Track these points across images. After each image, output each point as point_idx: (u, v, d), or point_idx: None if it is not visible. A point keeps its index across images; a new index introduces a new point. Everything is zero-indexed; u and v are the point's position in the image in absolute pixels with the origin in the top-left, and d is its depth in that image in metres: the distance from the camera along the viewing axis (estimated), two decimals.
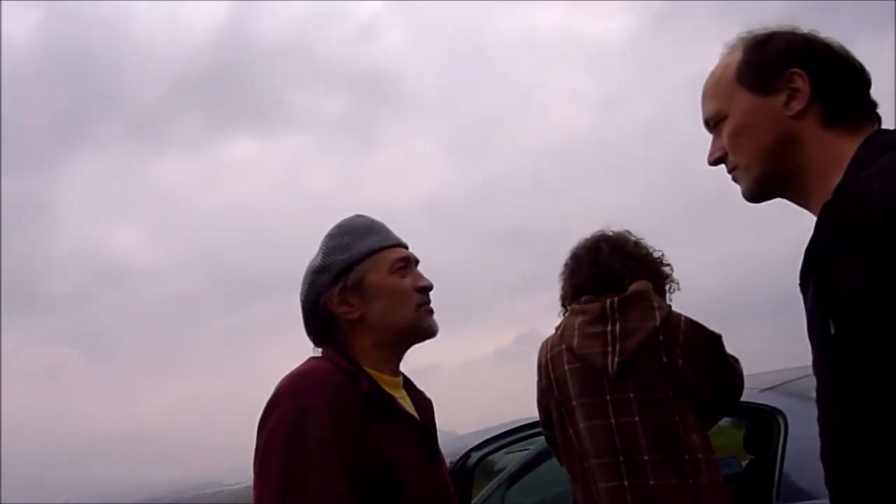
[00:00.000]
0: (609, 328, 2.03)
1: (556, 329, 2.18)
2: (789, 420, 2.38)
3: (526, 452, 3.89)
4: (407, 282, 1.56)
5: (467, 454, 3.48)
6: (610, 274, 2.11)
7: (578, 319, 2.10)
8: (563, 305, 2.24)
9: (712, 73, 1.22)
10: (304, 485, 1.33)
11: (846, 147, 1.08)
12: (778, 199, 1.19)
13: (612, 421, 1.97)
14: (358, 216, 1.65)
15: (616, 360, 1.99)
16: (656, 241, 2.23)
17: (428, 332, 1.59)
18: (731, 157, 1.18)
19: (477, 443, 3.57)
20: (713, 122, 1.20)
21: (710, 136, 1.23)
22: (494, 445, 3.58)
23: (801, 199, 1.15)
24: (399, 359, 1.61)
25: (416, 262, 1.63)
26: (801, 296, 1.10)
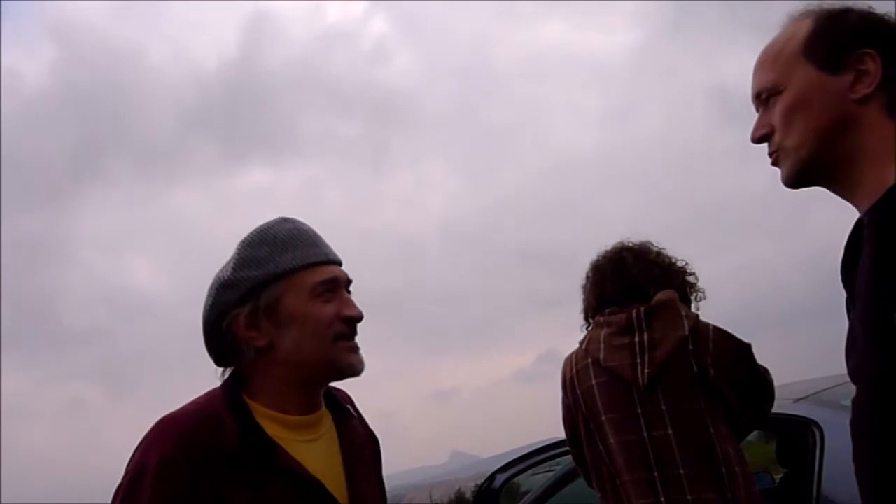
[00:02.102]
0: (637, 339, 1.97)
1: (580, 343, 2.13)
2: (825, 431, 2.31)
3: (552, 473, 3.81)
4: (329, 309, 1.30)
5: (492, 477, 3.41)
6: (635, 284, 2.06)
7: (604, 331, 2.04)
8: (586, 318, 2.19)
9: (773, 43, 1.14)
10: None
11: None
12: (814, 190, 1.12)
13: (645, 435, 1.91)
14: (284, 220, 1.37)
15: (646, 371, 1.93)
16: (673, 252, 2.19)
17: (346, 371, 1.33)
18: (778, 135, 1.10)
19: (501, 465, 3.51)
20: (766, 95, 1.12)
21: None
22: (519, 467, 3.51)
23: (845, 190, 1.08)
24: (316, 394, 1.36)
25: (348, 283, 1.36)
26: (844, 290, 1.04)
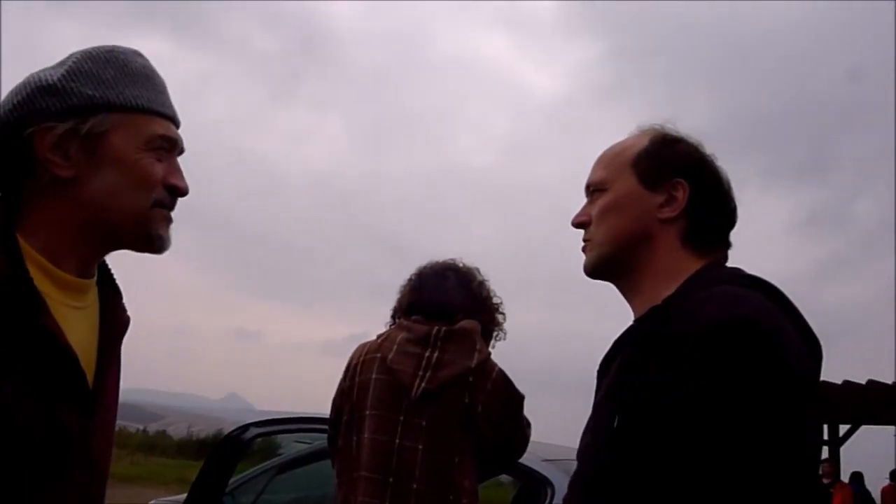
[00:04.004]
0: (427, 353, 2.03)
1: (378, 337, 2.16)
2: (556, 492, 2.57)
3: (306, 446, 3.83)
4: (158, 168, 1.09)
5: (246, 427, 3.39)
6: (447, 304, 2.12)
7: (402, 335, 2.09)
8: (393, 317, 2.23)
9: (613, 146, 1.25)
10: None
11: (689, 265, 1.13)
12: (609, 284, 1.23)
13: (397, 441, 1.96)
14: (139, 54, 1.14)
15: (423, 385, 1.99)
16: (500, 286, 2.27)
17: (154, 242, 1.11)
18: (592, 227, 1.21)
19: (261, 419, 3.50)
20: (593, 189, 1.22)
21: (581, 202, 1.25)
22: (276, 428, 3.51)
23: (629, 293, 1.19)
24: (97, 257, 1.13)
25: (181, 151, 1.15)
26: (595, 381, 1.14)
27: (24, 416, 0.96)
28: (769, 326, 0.95)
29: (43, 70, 1.08)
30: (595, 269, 1.21)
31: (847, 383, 10.05)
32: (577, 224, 1.23)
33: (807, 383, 0.98)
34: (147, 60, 1.15)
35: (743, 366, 0.92)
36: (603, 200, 1.19)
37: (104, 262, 1.18)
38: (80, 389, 1.06)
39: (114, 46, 1.12)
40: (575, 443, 1.18)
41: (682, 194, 1.15)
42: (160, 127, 1.11)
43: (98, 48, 1.11)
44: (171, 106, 1.15)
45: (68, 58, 1.10)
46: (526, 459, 2.42)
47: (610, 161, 1.22)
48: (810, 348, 1.03)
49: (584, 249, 1.22)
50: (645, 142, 1.21)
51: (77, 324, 1.07)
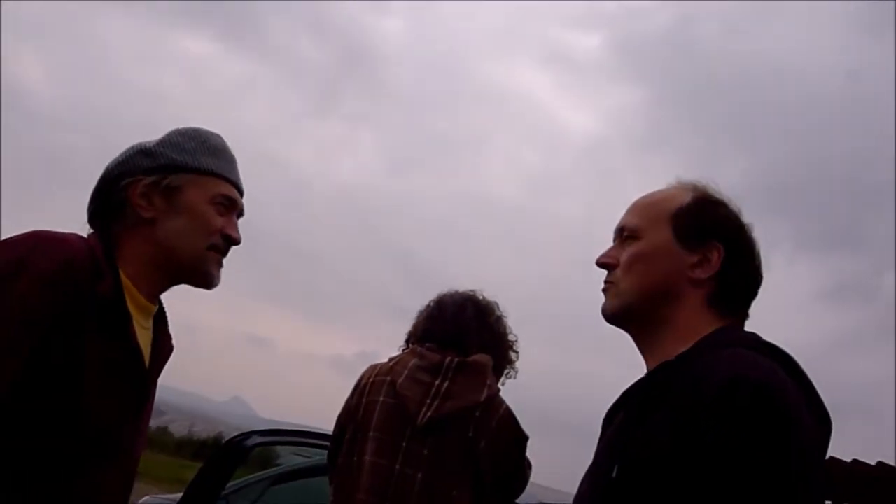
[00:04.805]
0: (437, 383, 2.03)
1: (390, 360, 2.17)
2: None
3: (305, 459, 3.83)
4: (219, 220, 1.40)
5: (248, 434, 3.40)
6: (462, 335, 2.13)
7: (413, 361, 2.09)
8: (407, 342, 2.24)
9: (653, 194, 1.24)
10: None
11: (709, 327, 1.13)
12: (622, 332, 1.22)
13: (398, 467, 1.96)
14: (219, 136, 1.48)
15: (429, 414, 1.99)
16: (518, 323, 2.28)
17: (206, 278, 1.42)
18: (618, 271, 1.20)
19: (265, 428, 3.51)
20: (626, 234, 1.21)
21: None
22: (278, 438, 3.52)
23: (644, 345, 1.19)
24: (163, 288, 1.43)
25: (241, 214, 1.47)
26: (599, 430, 1.14)
27: (106, 414, 1.24)
28: (778, 393, 0.95)
29: (146, 140, 1.42)
30: (615, 316, 1.20)
31: (856, 462, 9.82)
32: (603, 264, 1.22)
33: (813, 454, 0.97)
34: (224, 141, 1.47)
35: (748, 430, 0.91)
36: (635, 248, 1.18)
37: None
38: (144, 397, 1.36)
39: (200, 127, 1.47)
40: (573, 488, 1.18)
41: (716, 258, 1.15)
42: (225, 189, 1.42)
43: (188, 127, 1.45)
44: (237, 175, 1.46)
45: (166, 133, 1.43)
46: (523, 500, 2.40)
47: (647, 209, 1.21)
48: (820, 421, 1.03)
49: (604, 291, 1.21)
50: (688, 198, 1.20)
51: (143, 340, 1.35)
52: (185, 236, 1.37)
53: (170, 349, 1.47)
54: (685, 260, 1.16)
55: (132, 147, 1.41)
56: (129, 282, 1.33)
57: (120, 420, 1.29)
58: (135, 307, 1.34)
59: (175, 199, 1.37)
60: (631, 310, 1.18)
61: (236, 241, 1.43)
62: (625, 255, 1.19)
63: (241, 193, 1.47)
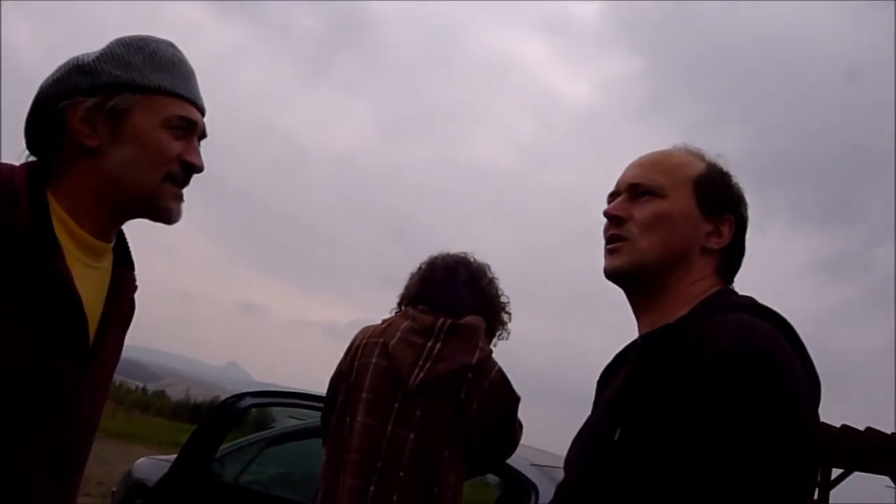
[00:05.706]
0: (429, 345, 2.04)
1: (382, 322, 2.17)
2: (540, 497, 2.58)
3: (299, 421, 3.86)
4: (175, 146, 1.20)
5: (242, 395, 3.42)
6: (456, 297, 2.12)
7: (406, 323, 2.09)
8: (399, 305, 2.24)
9: (668, 154, 1.21)
10: None
11: (709, 291, 1.14)
12: (618, 291, 1.20)
13: (389, 428, 1.97)
14: (171, 45, 1.26)
15: (420, 375, 1.99)
16: (511, 283, 2.27)
17: (162, 213, 1.22)
18: (635, 229, 1.16)
19: (258, 390, 3.53)
20: (643, 190, 1.17)
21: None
22: (271, 400, 3.54)
23: (644, 307, 1.18)
24: (115, 225, 1.24)
25: (202, 135, 1.26)
26: (594, 392, 1.14)
27: (18, 356, 1.06)
28: (780, 359, 0.96)
29: (82, 53, 1.21)
30: (626, 273, 1.16)
31: (845, 428, 9.97)
32: (614, 216, 1.17)
33: (809, 420, 0.98)
34: (178, 51, 1.26)
35: (751, 396, 0.92)
36: (658, 207, 1.15)
37: (122, 233, 1.29)
38: (81, 338, 1.15)
39: (147, 35, 1.24)
40: (562, 450, 1.18)
41: (727, 230, 1.16)
42: (180, 108, 1.21)
43: (132, 36, 1.23)
44: (194, 91, 1.25)
45: (107, 45, 1.21)
46: (514, 462, 2.43)
47: (669, 169, 1.18)
48: (812, 385, 1.04)
49: (611, 247, 1.17)
50: (703, 166, 1.19)
51: (87, 280, 1.17)
52: (135, 167, 1.17)
53: (132, 290, 1.30)
54: (702, 228, 1.16)
55: (68, 62, 1.20)
56: (65, 215, 1.15)
57: (43, 365, 1.09)
58: (74, 243, 1.15)
59: (122, 123, 1.16)
60: (645, 269, 1.15)
61: (198, 169, 1.23)
62: (645, 212, 1.15)
63: (203, 112, 1.26)
